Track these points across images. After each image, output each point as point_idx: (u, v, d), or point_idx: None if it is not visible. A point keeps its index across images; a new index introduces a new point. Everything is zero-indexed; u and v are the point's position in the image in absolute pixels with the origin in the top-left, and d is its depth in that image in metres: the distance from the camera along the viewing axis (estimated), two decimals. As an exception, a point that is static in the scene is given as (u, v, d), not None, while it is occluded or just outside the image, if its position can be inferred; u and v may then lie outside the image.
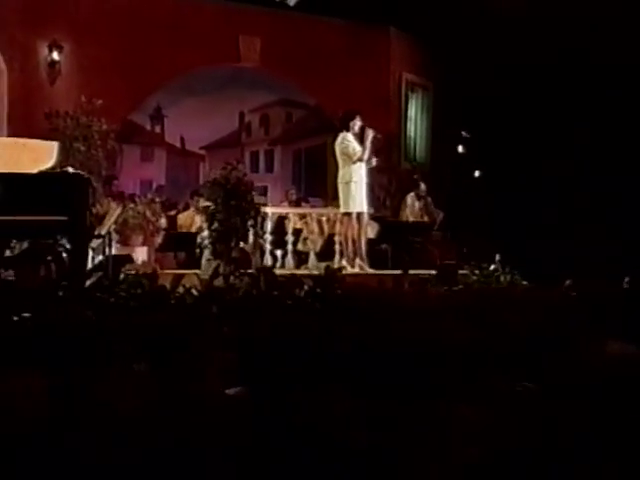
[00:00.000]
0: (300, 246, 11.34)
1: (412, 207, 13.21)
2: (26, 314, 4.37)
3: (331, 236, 10.96)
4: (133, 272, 7.89)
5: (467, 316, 4.24)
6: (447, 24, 13.47)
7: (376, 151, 9.42)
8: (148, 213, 10.76)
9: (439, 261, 11.86)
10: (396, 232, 12.08)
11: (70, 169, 6.49)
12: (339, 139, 9.06)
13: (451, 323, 3.87)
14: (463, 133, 13.11)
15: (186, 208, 12.72)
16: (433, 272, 8.27)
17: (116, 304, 4.91)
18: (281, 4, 13.87)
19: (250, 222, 8.24)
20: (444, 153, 14.35)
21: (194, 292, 5.33)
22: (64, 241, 6.26)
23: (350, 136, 8.99)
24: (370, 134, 9.15)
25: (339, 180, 9.15)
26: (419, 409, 2.76)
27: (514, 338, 3.16)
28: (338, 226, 10.60)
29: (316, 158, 14.77)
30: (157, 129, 14.10)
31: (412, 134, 14.52)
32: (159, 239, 11.46)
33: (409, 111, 14.44)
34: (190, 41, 12.59)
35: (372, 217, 12.97)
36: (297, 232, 10.92)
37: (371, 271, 9.34)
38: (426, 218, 13.14)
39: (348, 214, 9.11)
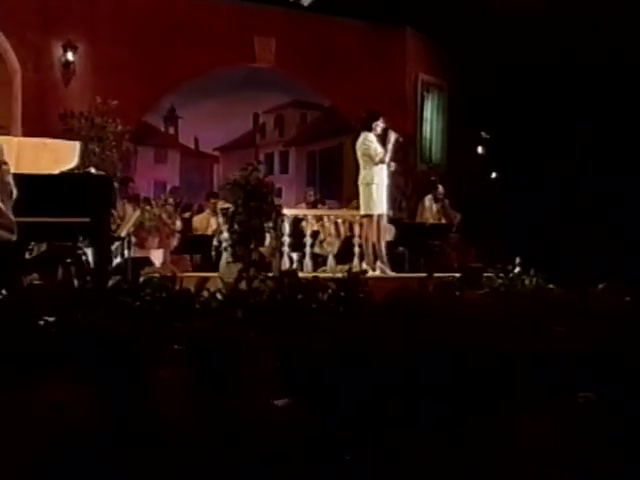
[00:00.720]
0: (317, 249, 11.21)
1: (430, 209, 13.06)
2: (49, 318, 4.24)
3: (348, 238, 10.83)
4: (152, 275, 7.81)
5: (517, 323, 4.08)
6: (462, 24, 13.35)
7: (397, 155, 9.28)
8: (164, 215, 10.64)
9: (457, 264, 11.73)
10: (414, 235, 11.92)
11: (92, 170, 6.37)
12: (360, 139, 8.90)
13: (505, 331, 3.72)
14: (483, 134, 12.95)
15: (200, 210, 12.59)
16: (456, 275, 8.11)
17: (141, 308, 4.78)
18: (295, 4, 13.75)
19: (270, 224, 8.10)
20: (460, 154, 14.21)
21: (218, 296, 5.21)
22: (84, 243, 6.13)
23: (372, 137, 8.83)
24: (393, 137, 8.99)
25: (359, 182, 9.00)
26: (478, 422, 2.61)
27: (576, 348, 3.01)
28: (357, 228, 10.47)
29: (331, 160, 14.65)
30: (171, 130, 13.98)
31: (428, 135, 14.37)
32: (174, 241, 11.34)
33: (425, 112, 14.30)
34: (205, 42, 12.46)
35: (389, 219, 12.88)
36: (313, 234, 10.79)
37: (392, 274, 9.19)
38: (443, 220, 12.99)
39: (369, 216, 8.96)
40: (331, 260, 10.21)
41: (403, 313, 4.30)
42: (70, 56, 11.48)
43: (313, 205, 12.55)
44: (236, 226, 8.12)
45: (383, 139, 8.99)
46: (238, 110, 13.98)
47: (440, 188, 12.85)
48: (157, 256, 10.56)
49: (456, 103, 14.33)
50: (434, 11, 13.26)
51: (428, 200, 12.92)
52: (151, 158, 13.61)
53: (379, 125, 8.95)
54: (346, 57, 13.40)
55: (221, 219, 8.56)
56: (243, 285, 6.53)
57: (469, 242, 12.72)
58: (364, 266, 8.86)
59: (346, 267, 10.54)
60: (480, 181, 13.94)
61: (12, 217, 5.25)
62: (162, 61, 12.21)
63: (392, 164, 9.07)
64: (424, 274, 9.18)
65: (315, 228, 10.75)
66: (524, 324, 3.66)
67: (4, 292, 4.52)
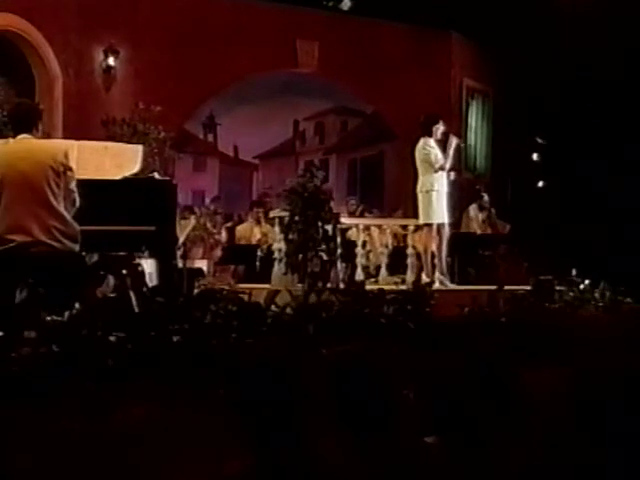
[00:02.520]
0: (363, 259, 10.82)
1: (475, 219, 12.64)
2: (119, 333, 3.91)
3: (397, 249, 10.44)
4: (211, 287, 7.45)
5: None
6: (508, 29, 12.97)
7: (457, 161, 8.89)
8: (209, 225, 10.30)
9: (504, 275, 11.31)
10: (463, 245, 11.50)
11: (156, 175, 6.02)
12: (420, 144, 8.50)
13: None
14: (538, 140, 12.53)
15: (242, 220, 12.24)
16: (524, 288, 7.70)
17: (215, 323, 4.43)
18: (334, 8, 13.42)
19: (328, 233, 7.72)
20: (506, 162, 13.79)
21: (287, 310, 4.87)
22: (143, 254, 5.76)
23: (432, 142, 8.43)
24: (454, 142, 8.59)
25: (418, 189, 8.60)
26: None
27: None
28: (410, 238, 10.08)
29: (372, 168, 14.27)
30: (210, 138, 13.63)
31: (472, 143, 13.98)
32: (218, 252, 10.99)
33: (469, 119, 13.91)
34: (247, 46, 12.15)
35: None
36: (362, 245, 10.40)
37: (452, 286, 8.78)
38: (489, 230, 12.59)
39: (428, 225, 8.55)
40: (383, 271, 9.81)
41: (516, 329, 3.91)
42: (111, 61, 11.19)
43: (359, 214, 12.15)
44: (292, 235, 7.73)
45: (444, 144, 8.59)
46: (278, 117, 13.64)
47: (486, 197, 12.45)
48: (202, 267, 10.22)
49: (501, 110, 13.94)
50: (480, 15, 12.91)
51: (473, 210, 12.51)
52: (190, 166, 13.26)
53: (439, 129, 8.55)
54: (390, 62, 13.05)
55: (277, 228, 8.18)
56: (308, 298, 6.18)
57: (519, 254, 12.30)
58: (424, 278, 8.45)
59: (398, 279, 10.24)
60: (530, 189, 13.52)
61: (76, 226, 4.91)
62: (203, 66, 11.90)
63: (452, 174, 8.68)
64: (485, 287, 8.82)
65: (362, 238, 10.37)
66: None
67: (77, 306, 4.17)
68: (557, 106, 13.11)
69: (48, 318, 3.86)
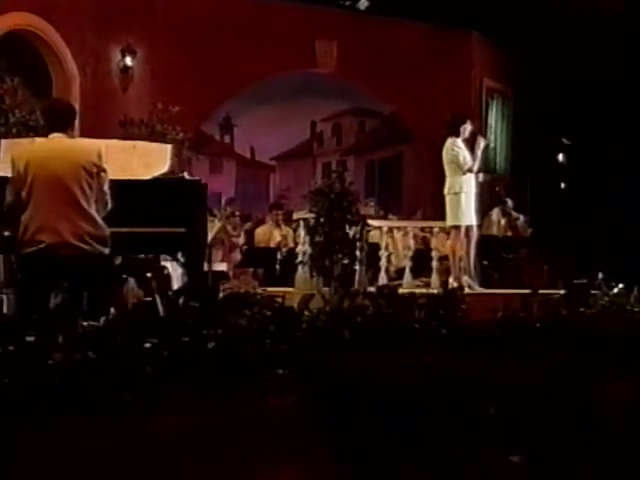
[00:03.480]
0: (385, 262, 10.63)
1: (497, 223, 12.44)
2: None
3: (418, 251, 10.25)
4: (236, 290, 7.26)
5: None
6: (527, 27, 12.77)
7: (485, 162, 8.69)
8: (229, 227, 10.12)
9: (527, 279, 11.10)
10: (486, 247, 11.29)
11: (186, 175, 5.85)
12: (447, 145, 8.30)
13: None
14: (564, 140, 12.31)
15: (259, 222, 12.06)
16: (558, 292, 7.49)
17: (250, 328, 4.26)
18: (352, 8, 13.24)
19: (355, 235, 7.53)
20: (526, 163, 13.58)
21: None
22: (176, 256, 5.59)
23: (460, 143, 8.23)
24: (482, 142, 8.39)
25: (446, 191, 8.40)
26: None
27: None
28: (433, 241, 9.89)
29: (390, 170, 14.08)
30: (226, 139, 13.45)
31: (492, 144, 13.76)
32: (238, 255, 10.81)
33: (489, 119, 13.71)
34: (265, 46, 11.98)
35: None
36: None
37: (480, 290, 8.58)
38: (509, 233, 12.40)
39: (456, 227, 8.35)
40: (407, 274, 9.61)
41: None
42: (129, 61, 11.03)
43: (377, 216, 11.95)
44: (318, 238, 7.54)
45: (471, 144, 8.40)
46: (295, 118, 13.46)
47: (509, 202, 12.25)
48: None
49: (521, 110, 13.74)
50: (500, 14, 12.71)
51: (496, 214, 12.30)
52: (206, 168, 13.07)
53: (467, 129, 8.35)
54: (409, 61, 12.85)
55: (301, 230, 8.00)
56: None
57: (541, 257, 12.09)
58: (451, 281, 8.26)
59: (422, 282, 10.04)
60: (551, 191, 13.30)
61: (107, 229, 4.74)
62: (221, 66, 11.73)
63: (481, 175, 8.48)
64: (514, 290, 8.62)
65: (385, 240, 10.18)
66: None
67: (112, 311, 4.00)
68: (578, 107, 12.90)
69: (84, 324, 3.70)
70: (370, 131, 14.23)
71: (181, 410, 3.53)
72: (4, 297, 6.71)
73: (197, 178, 5.91)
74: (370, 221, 8.35)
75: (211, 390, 3.83)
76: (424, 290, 7.88)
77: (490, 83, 13.61)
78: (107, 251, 4.72)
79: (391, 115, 13.78)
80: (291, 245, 11.28)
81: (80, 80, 10.65)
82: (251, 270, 11.09)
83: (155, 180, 5.28)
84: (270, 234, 11.30)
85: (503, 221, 12.38)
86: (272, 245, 11.19)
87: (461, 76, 13.21)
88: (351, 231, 7.45)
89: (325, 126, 14.13)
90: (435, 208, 13.89)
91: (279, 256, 10.78)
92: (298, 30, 12.27)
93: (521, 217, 12.44)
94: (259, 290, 7.34)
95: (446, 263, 9.67)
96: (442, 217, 11.85)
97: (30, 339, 3.57)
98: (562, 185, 13.78)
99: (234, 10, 11.94)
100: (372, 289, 6.11)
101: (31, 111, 8.82)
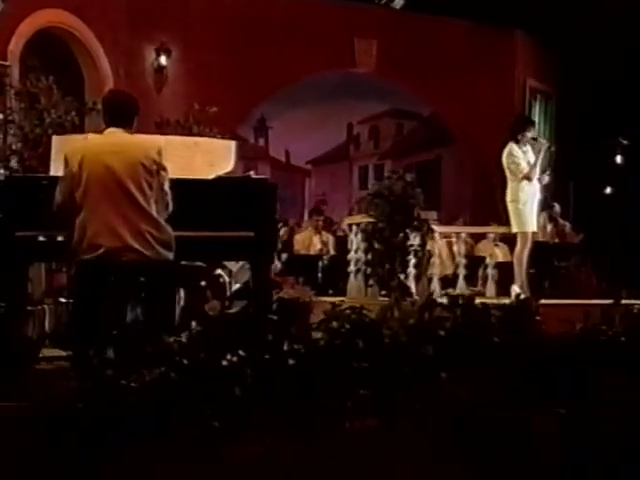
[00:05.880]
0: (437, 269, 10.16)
1: (544, 229, 11.93)
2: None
3: (471, 258, 9.79)
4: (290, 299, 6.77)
5: None
6: (572, 26, 12.28)
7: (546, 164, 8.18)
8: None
9: (579, 288, 10.62)
10: (536, 255, 10.78)
11: (252, 173, 5.38)
12: (506, 151, 7.82)
13: None
14: (622, 140, 11.78)
15: (294, 228, 11.59)
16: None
17: (333, 345, 3.80)
18: (387, 6, 12.78)
19: (417, 242, 7.02)
20: (570, 166, 13.05)
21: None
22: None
23: (517, 150, 7.73)
24: (543, 147, 7.89)
25: (507, 198, 7.89)
26: None
27: None
28: (485, 247, 9.42)
29: (428, 174, 13.57)
30: (261, 142, 12.98)
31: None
32: (277, 262, 10.32)
33: (532, 121, 13.20)
34: (303, 45, 11.55)
35: (501, 238, 11.76)
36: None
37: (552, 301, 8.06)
38: (557, 240, 11.89)
39: (522, 234, 7.83)
40: (461, 282, 9.11)
41: None
42: (163, 60, 10.59)
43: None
44: (377, 244, 7.04)
45: (532, 149, 7.89)
46: (331, 120, 13.00)
47: (557, 207, 11.76)
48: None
49: (565, 111, 13.23)
50: (543, 12, 12.22)
51: (543, 219, 11.79)
52: (240, 171, 12.54)
53: (526, 135, 7.84)
54: (450, 60, 12.39)
55: (357, 236, 7.50)
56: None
57: (592, 264, 11.57)
58: (516, 289, 7.74)
59: (476, 290, 9.55)
60: (597, 195, 12.78)
61: (170, 232, 4.25)
62: (258, 66, 11.28)
63: (545, 177, 7.97)
64: (579, 301, 8.10)
65: (437, 247, 9.69)
66: None
67: (194, 324, 3.52)
68: (625, 108, 12.38)
69: (168, 339, 3.23)
70: (408, 133, 13.74)
71: (264, 436, 3.13)
72: (45, 307, 6.28)
73: (265, 177, 5.43)
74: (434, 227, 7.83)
75: (294, 414, 3.40)
76: (494, 300, 7.42)
77: (533, 83, 13.12)
78: (171, 256, 4.23)
79: (430, 117, 13.30)
80: (332, 252, 10.82)
81: (114, 80, 10.21)
82: (291, 278, 10.63)
83: (219, 179, 4.79)
84: (310, 241, 10.83)
85: (549, 227, 11.89)
86: (312, 252, 10.72)
87: (504, 76, 12.73)
88: (413, 237, 6.94)
89: (362, 128, 13.64)
90: (476, 214, 13.43)
91: (321, 264, 10.33)
92: (337, 28, 11.81)
93: (567, 223, 11.97)
94: (319, 299, 6.87)
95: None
96: (483, 223, 11.40)
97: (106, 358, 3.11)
98: (608, 189, 13.25)
99: (271, 8, 11.50)
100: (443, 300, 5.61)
101: (67, 111, 8.39)
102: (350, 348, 3.79)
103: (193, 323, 3.30)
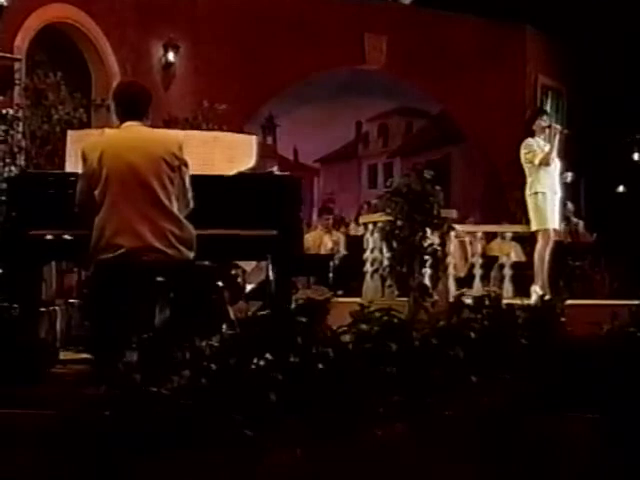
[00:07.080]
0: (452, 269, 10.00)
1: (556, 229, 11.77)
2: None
3: (488, 258, 9.62)
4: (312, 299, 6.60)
5: None
6: (583, 21, 12.12)
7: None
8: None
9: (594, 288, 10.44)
10: (551, 254, 10.60)
11: (275, 169, 5.20)
12: (522, 147, 7.69)
13: None
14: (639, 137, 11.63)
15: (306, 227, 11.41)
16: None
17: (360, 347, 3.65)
18: (395, 2, 12.63)
19: (437, 241, 6.85)
20: (581, 163, 12.88)
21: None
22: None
23: (531, 140, 7.58)
24: (557, 132, 7.72)
25: (526, 193, 7.72)
26: None
27: None
28: (494, 246, 9.27)
29: (438, 172, 13.38)
30: (269, 140, 12.80)
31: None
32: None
33: (544, 117, 13.03)
34: (312, 41, 11.39)
35: (513, 237, 11.59)
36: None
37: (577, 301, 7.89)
38: (569, 239, 11.71)
39: (543, 231, 7.66)
40: (477, 282, 8.94)
41: None
42: (171, 57, 10.41)
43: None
44: (395, 244, 6.86)
45: (548, 138, 7.73)
46: (339, 118, 12.83)
47: (569, 205, 11.57)
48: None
49: (576, 108, 13.06)
50: (555, 8, 12.06)
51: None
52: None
53: (540, 125, 7.69)
54: (461, 57, 12.24)
55: (373, 235, 7.33)
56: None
57: (605, 265, 11.39)
58: (537, 290, 7.57)
59: (490, 290, 9.37)
60: (609, 193, 12.61)
61: (192, 230, 4.08)
62: (267, 63, 11.12)
63: (569, 175, 7.81)
64: (612, 301, 7.91)
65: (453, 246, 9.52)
66: None
67: (225, 327, 3.35)
68: (637, 104, 12.21)
69: (200, 343, 3.05)
70: (418, 131, 13.57)
71: (296, 443, 2.91)
72: (57, 309, 6.10)
73: (289, 173, 5.25)
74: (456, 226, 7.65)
75: (325, 419, 3.26)
76: (514, 301, 7.24)
77: (545, 80, 12.96)
78: (192, 256, 4.06)
79: (440, 114, 13.13)
80: (343, 252, 10.64)
81: (121, 76, 10.02)
82: (304, 279, 10.45)
83: (241, 176, 4.61)
84: (320, 240, 10.63)
85: (562, 226, 11.73)
86: (322, 252, 10.53)
87: (515, 72, 12.57)
88: (434, 236, 6.76)
89: (371, 126, 13.47)
90: (485, 213, 13.25)
91: (332, 263, 10.13)
92: (346, 24, 11.65)
93: (580, 222, 11.80)
94: (338, 299, 6.70)
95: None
96: (494, 222, 11.23)
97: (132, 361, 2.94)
98: (620, 187, 13.08)
99: (280, 4, 11.35)
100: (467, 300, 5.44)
101: (74, 108, 8.22)
102: (381, 351, 3.64)
103: (224, 326, 3.13)
